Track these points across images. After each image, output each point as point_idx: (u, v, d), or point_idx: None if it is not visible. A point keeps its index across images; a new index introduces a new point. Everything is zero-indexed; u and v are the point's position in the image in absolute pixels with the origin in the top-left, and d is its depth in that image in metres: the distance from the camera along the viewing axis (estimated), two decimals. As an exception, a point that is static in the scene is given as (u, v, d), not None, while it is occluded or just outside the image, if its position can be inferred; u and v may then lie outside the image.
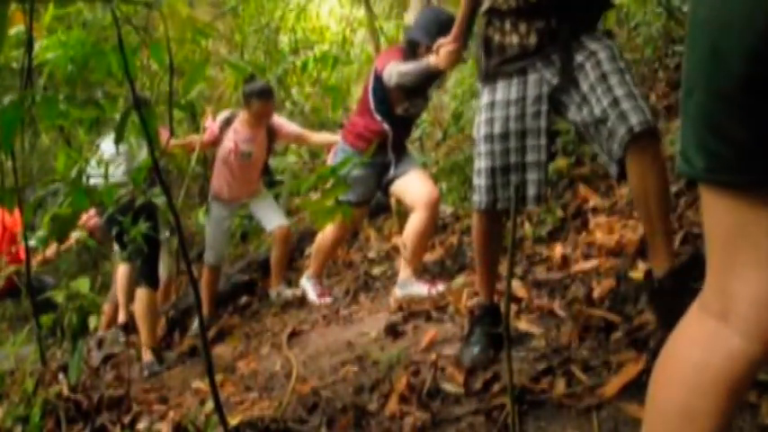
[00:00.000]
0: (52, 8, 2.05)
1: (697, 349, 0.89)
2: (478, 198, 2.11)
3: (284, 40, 7.61)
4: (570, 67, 1.96)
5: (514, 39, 2.02)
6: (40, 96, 1.76)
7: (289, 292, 4.06)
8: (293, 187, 4.94)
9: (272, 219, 4.29)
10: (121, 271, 4.26)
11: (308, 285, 3.88)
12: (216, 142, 4.21)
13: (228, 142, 4.12)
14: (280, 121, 4.45)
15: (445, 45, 2.54)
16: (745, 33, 0.77)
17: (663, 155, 1.92)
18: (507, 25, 2.03)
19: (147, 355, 3.68)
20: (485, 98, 2.10)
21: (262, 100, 4.06)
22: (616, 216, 3.01)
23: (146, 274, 3.77)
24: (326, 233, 3.72)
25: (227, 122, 4.18)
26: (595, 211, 3.14)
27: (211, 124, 4.24)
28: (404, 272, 3.38)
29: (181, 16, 1.84)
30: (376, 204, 4.98)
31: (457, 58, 2.61)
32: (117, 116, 1.77)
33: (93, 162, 3.69)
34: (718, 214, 0.88)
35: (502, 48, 2.06)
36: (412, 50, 3.27)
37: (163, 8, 1.75)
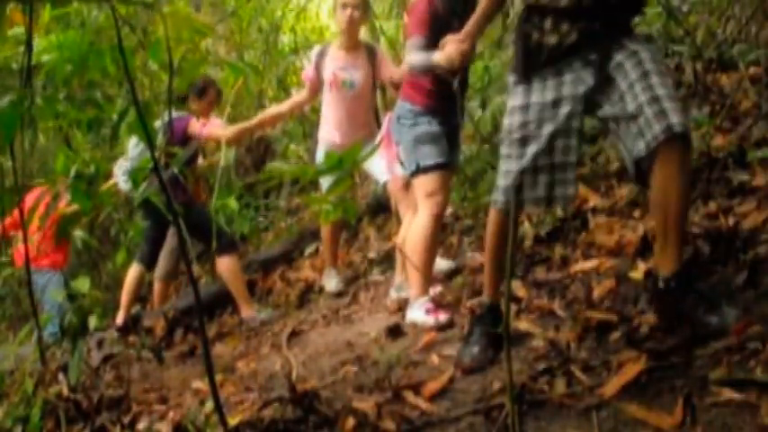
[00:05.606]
0: (49, 8, 2.04)
1: None
2: (500, 198, 2.09)
3: (284, 40, 7.60)
4: (608, 67, 1.93)
5: (553, 38, 1.96)
6: (39, 96, 1.76)
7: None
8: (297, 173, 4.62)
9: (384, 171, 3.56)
10: (132, 272, 4.24)
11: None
12: (319, 86, 3.75)
13: (326, 74, 3.66)
14: (384, 54, 3.94)
15: (452, 42, 2.24)
16: None
17: (690, 161, 1.88)
18: (548, 24, 1.97)
19: (247, 312, 3.91)
20: (518, 99, 2.03)
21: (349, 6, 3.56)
22: (616, 216, 3.00)
23: (222, 242, 3.83)
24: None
25: (322, 54, 3.72)
26: (595, 211, 3.13)
27: (307, 70, 3.82)
28: (398, 275, 3.38)
29: (179, 16, 1.83)
30: (376, 203, 4.98)
31: (463, 61, 2.26)
32: (115, 116, 1.77)
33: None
34: None
35: (539, 47, 1.99)
36: None
37: (163, 9, 1.75)
